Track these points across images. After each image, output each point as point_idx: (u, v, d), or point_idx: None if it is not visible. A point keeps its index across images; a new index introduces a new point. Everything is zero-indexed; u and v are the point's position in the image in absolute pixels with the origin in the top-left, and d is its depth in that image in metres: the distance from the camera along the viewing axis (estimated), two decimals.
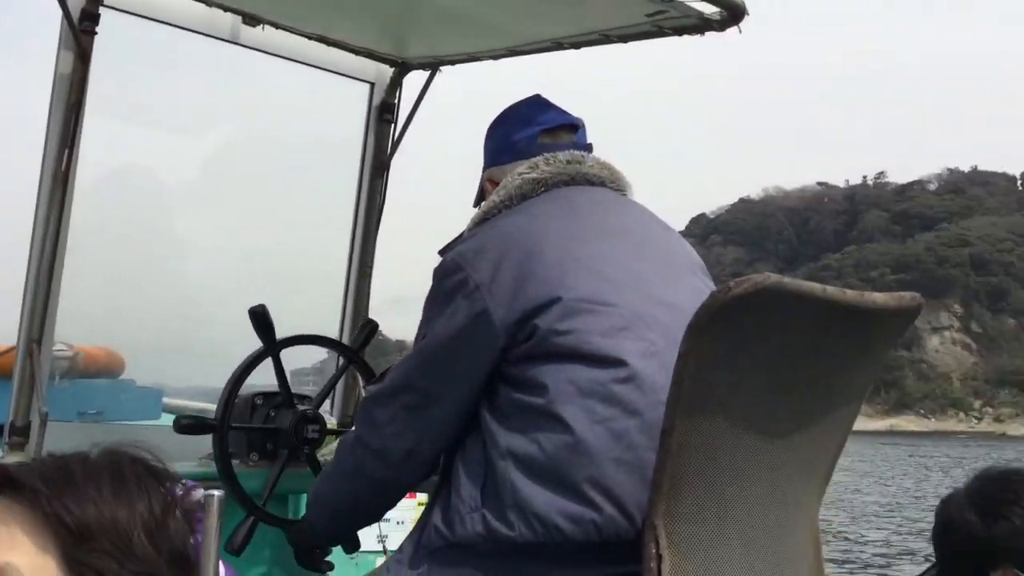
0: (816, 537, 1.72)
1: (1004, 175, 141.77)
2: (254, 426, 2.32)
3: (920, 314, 1.64)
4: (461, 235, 1.89)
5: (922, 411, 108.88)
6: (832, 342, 1.53)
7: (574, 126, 2.00)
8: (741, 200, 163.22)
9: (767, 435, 1.51)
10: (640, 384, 1.61)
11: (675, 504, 1.44)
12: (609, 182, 1.92)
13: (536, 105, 2.02)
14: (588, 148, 1.97)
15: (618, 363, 1.61)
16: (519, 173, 1.87)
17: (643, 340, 1.65)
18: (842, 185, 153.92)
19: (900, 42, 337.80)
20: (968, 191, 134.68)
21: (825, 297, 1.44)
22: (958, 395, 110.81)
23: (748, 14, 2.17)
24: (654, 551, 1.42)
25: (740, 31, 2.21)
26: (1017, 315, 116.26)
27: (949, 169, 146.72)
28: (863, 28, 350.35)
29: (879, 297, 1.54)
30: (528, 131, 1.97)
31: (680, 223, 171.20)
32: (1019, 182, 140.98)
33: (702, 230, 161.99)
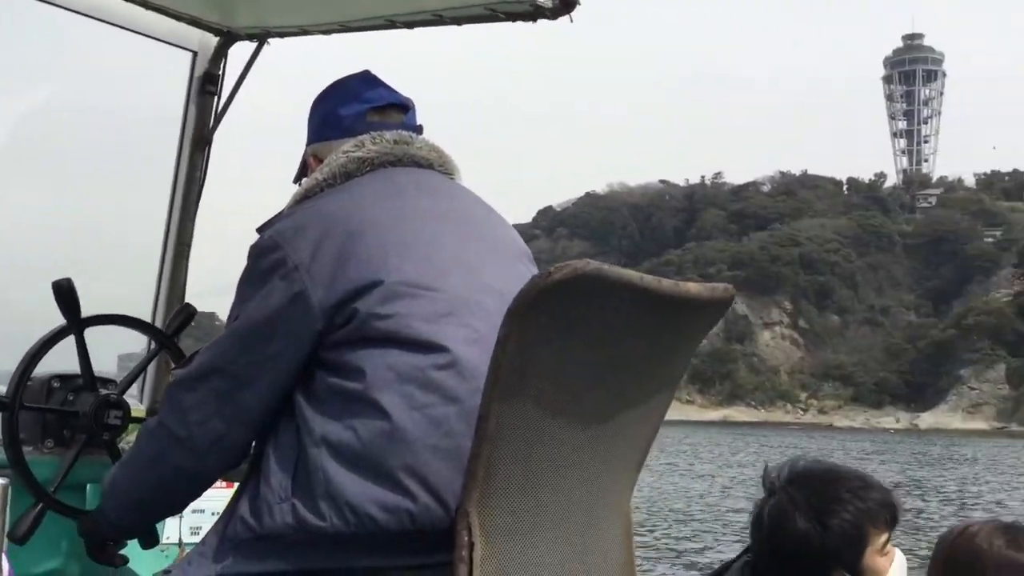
0: (628, 526, 1.72)
1: (832, 179, 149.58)
2: (50, 407, 2.17)
3: (732, 305, 1.67)
4: (281, 213, 1.80)
5: (753, 402, 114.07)
6: (648, 330, 1.54)
7: (404, 106, 1.95)
8: (588, 194, 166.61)
9: (585, 423, 1.51)
10: (461, 371, 1.58)
11: (490, 492, 1.42)
12: (437, 165, 1.88)
13: (365, 81, 1.95)
14: (418, 130, 1.92)
15: (439, 349, 1.58)
16: (344, 151, 1.81)
17: (466, 326, 1.62)
18: (682, 184, 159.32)
19: (740, 51, 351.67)
20: (799, 193, 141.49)
21: (642, 285, 1.45)
22: (786, 387, 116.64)
23: (580, 4, 2.18)
24: (466, 539, 1.41)
25: (572, 20, 2.22)
26: (841, 312, 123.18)
27: (781, 172, 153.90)
28: (704, 34, 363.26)
29: (693, 287, 1.56)
30: (356, 107, 1.90)
31: (527, 215, 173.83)
32: (844, 187, 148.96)
33: (549, 222, 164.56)
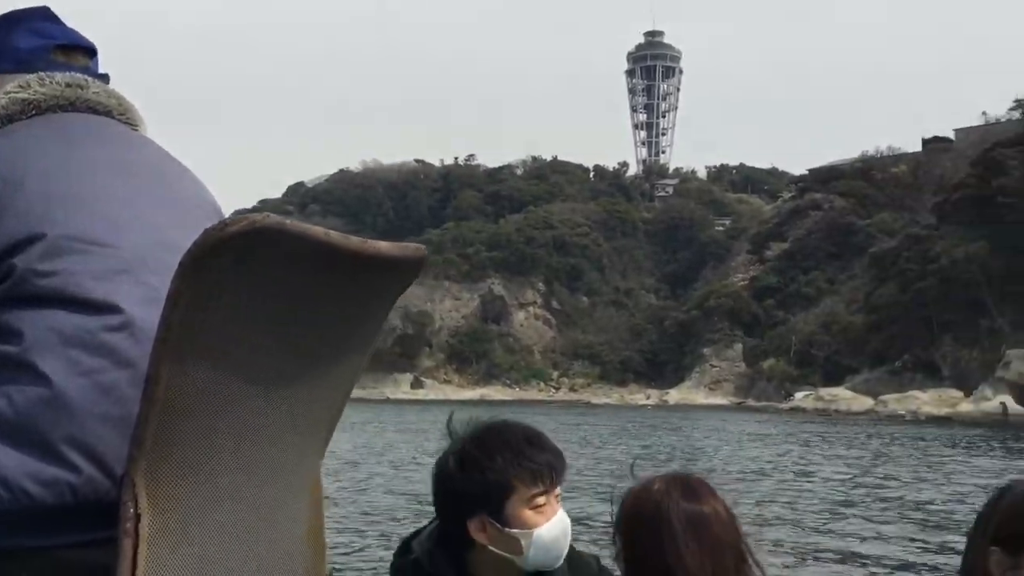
0: (318, 492, 1.64)
1: (580, 166, 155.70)
2: None
3: (424, 266, 1.58)
4: None
5: (508, 381, 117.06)
6: (337, 289, 1.45)
7: (92, 51, 1.76)
8: (341, 171, 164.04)
9: (268, 384, 1.42)
10: (135, 333, 1.45)
11: (160, 460, 1.33)
12: (118, 113, 1.71)
13: (48, 17, 1.74)
14: (103, 79, 1.74)
15: (111, 309, 1.45)
16: (6, 92, 1.64)
17: (144, 285, 1.49)
18: (438, 164, 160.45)
19: (487, 43, 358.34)
20: (551, 178, 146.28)
21: (328, 241, 1.37)
22: (539, 367, 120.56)
23: None
24: (131, 511, 1.32)
25: None
26: (590, 294, 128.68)
27: (533, 157, 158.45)
28: (457, 24, 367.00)
29: (383, 245, 1.48)
30: (36, 41, 1.70)
31: (277, 190, 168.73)
32: (591, 173, 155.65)
33: (300, 199, 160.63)
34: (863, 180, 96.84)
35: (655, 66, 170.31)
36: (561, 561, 2.03)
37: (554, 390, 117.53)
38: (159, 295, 1.38)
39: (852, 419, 57.78)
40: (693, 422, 55.49)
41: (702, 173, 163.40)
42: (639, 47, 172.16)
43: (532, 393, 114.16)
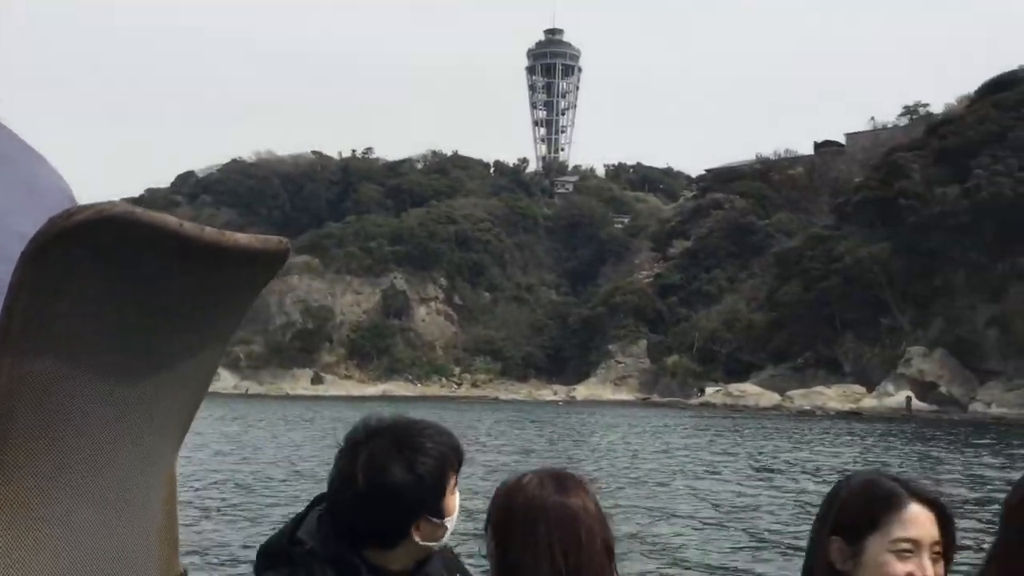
0: (172, 488, 1.62)
1: (480, 161, 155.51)
2: None
3: (288, 257, 1.48)
4: None
5: (410, 377, 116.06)
6: (191, 282, 1.42)
7: None
8: (234, 161, 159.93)
9: (119, 378, 1.39)
10: None
11: (2, 454, 1.28)
12: None
13: None
14: None
15: None
16: None
17: None
18: (336, 156, 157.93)
19: (390, 35, 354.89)
20: (451, 173, 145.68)
21: (182, 232, 1.33)
22: (441, 362, 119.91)
23: None
24: None
25: None
26: (492, 289, 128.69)
27: (433, 151, 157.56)
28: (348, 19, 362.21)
29: (242, 238, 1.45)
30: None
31: (166, 179, 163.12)
32: (492, 169, 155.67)
33: (191, 188, 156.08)
34: (761, 181, 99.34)
35: (555, 64, 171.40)
36: None
37: (456, 386, 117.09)
38: (2, 285, 1.33)
39: (762, 414, 59.32)
40: (598, 418, 56.17)
41: (600, 171, 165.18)
42: (539, 44, 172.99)
43: (434, 389, 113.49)
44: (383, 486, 1.99)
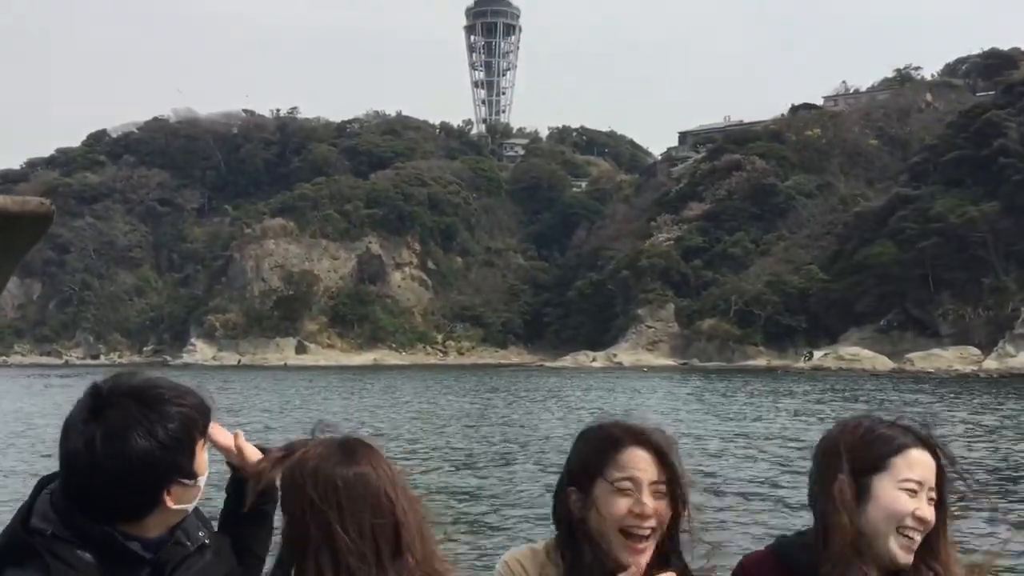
0: None
1: (426, 122, 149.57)
2: None
3: (53, 220, 1.48)
4: None
5: (394, 345, 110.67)
6: None
7: None
8: (155, 119, 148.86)
9: None
10: None
11: None
12: None
13: None
14: None
15: None
16: None
17: None
18: (269, 115, 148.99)
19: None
20: (404, 134, 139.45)
21: None
22: (422, 329, 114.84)
23: None
24: None
25: None
26: (464, 254, 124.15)
27: (376, 111, 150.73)
28: None
29: (0, 200, 1.45)
30: None
31: (75, 138, 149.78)
32: (438, 131, 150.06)
33: (108, 148, 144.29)
34: (778, 142, 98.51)
35: (495, 23, 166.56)
36: None
37: (442, 353, 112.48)
38: None
39: (884, 377, 58.03)
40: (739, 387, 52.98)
41: (544, 134, 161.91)
42: (478, 3, 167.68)
43: (420, 357, 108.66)
44: (126, 458, 1.83)
